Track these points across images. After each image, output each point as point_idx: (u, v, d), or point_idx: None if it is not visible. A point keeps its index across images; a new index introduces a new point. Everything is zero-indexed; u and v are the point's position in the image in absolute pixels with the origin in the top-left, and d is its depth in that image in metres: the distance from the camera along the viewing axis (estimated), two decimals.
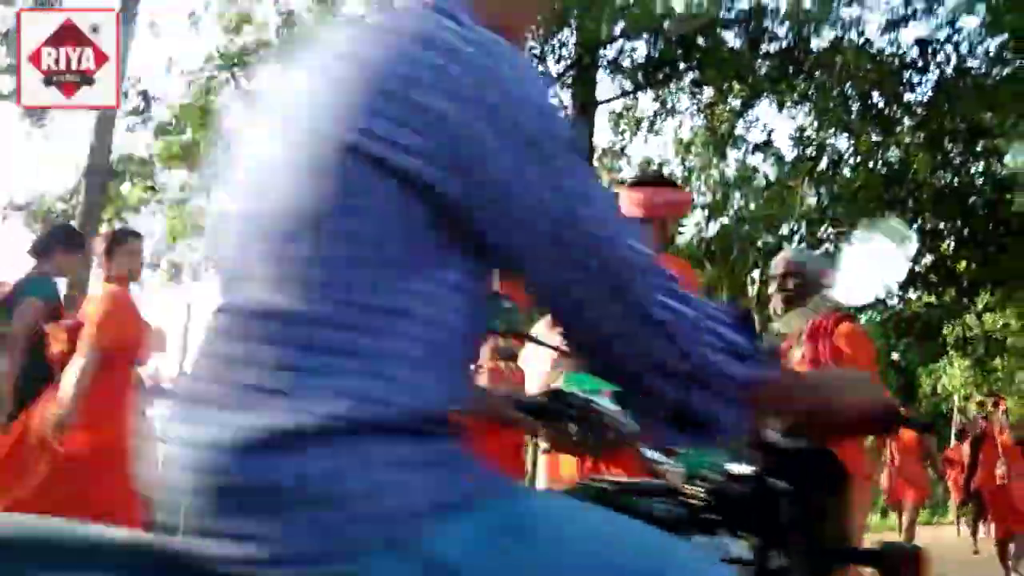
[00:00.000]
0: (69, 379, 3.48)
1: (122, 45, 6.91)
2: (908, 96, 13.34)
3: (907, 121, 13.34)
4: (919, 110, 13.12)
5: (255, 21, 13.17)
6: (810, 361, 3.01)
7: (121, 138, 13.24)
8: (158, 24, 12.95)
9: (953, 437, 15.75)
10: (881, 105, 13.26)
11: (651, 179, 3.24)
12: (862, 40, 12.84)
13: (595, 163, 14.30)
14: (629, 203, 2.66)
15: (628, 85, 14.24)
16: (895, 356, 18.98)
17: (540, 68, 13.68)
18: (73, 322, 3.65)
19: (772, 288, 3.32)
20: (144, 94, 11.10)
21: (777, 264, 3.33)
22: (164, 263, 13.19)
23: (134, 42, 7.13)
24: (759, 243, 14.84)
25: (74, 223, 8.20)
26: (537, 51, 13.76)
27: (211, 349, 0.88)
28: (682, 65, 13.30)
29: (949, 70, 12.98)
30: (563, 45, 13.85)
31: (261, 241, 0.85)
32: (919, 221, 13.32)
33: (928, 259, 14.51)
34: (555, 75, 13.98)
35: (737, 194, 15.33)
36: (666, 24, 11.68)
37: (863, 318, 17.66)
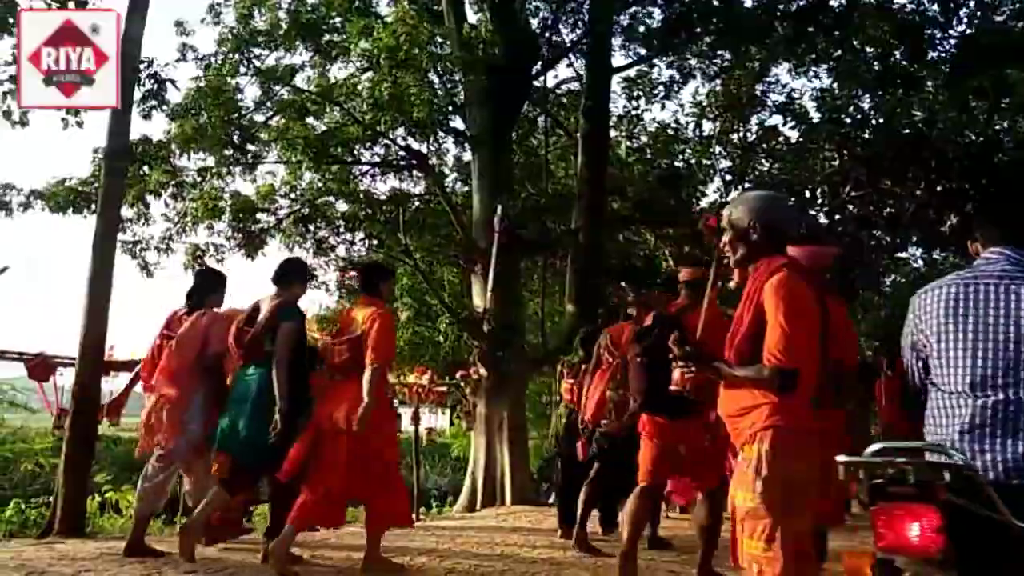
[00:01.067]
0: (366, 383, 4.28)
1: (136, 31, 6.94)
2: (931, 54, 13.06)
3: (930, 79, 13.06)
4: (943, 68, 12.84)
5: (268, 2, 13.15)
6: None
7: (138, 122, 13.40)
8: (175, 13, 13.05)
9: None
10: (904, 64, 12.98)
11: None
12: None
13: (611, 131, 14.19)
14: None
15: (643, 51, 14.07)
16: None
17: (554, 37, 13.58)
18: (350, 337, 4.48)
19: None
20: (157, 77, 11.12)
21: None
22: (186, 246, 13.30)
23: (148, 29, 7.12)
24: None
25: (95, 207, 8.29)
26: (550, 19, 13.64)
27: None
28: (698, 29, 13.09)
29: (972, 27, 12.70)
30: (577, 12, 13.70)
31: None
32: (944, 181, 13.09)
33: (953, 220, 14.28)
34: (569, 43, 13.86)
35: (759, 157, 15.16)
36: None
37: (887, 281, 17.50)
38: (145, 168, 12.14)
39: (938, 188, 13.60)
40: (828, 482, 2.60)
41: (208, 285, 5.24)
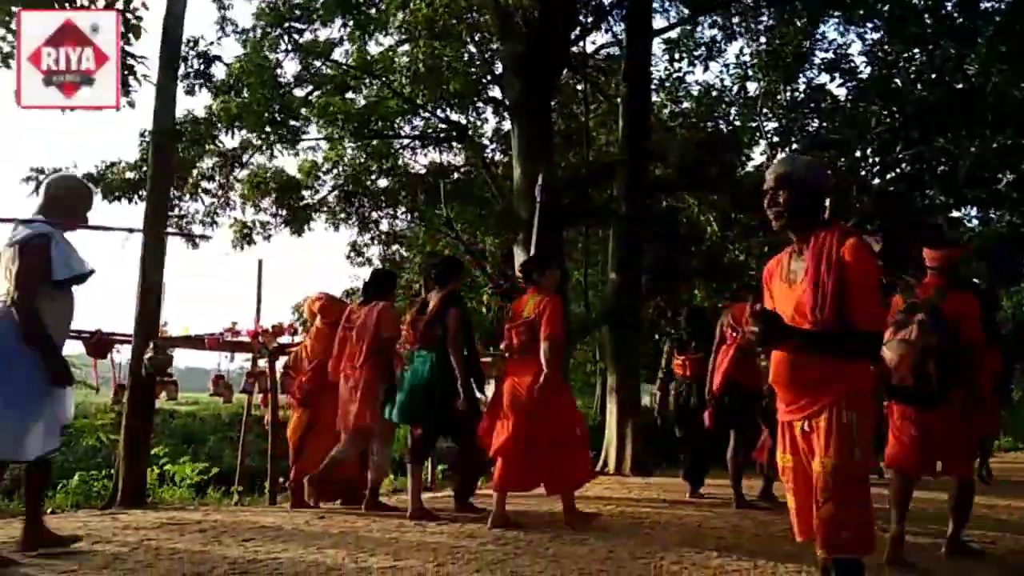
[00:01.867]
0: (544, 356, 4.95)
1: (178, 8, 7.00)
2: (985, 4, 12.55)
3: (984, 31, 12.55)
4: (998, 19, 12.33)
5: None
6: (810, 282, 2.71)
7: (182, 99, 13.55)
8: None
9: None
10: (956, 16, 12.48)
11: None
12: None
13: (653, 95, 13.95)
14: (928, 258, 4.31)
15: (685, 12, 13.75)
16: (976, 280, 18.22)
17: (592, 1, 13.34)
18: (525, 321, 5.14)
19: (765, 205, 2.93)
20: (206, 55, 11.23)
21: (767, 178, 2.96)
22: (232, 223, 13.52)
23: (190, 7, 7.18)
24: (830, 169, 14.36)
25: (144, 191, 8.45)
26: None
27: None
28: None
29: None
30: None
31: None
32: (1000, 138, 12.64)
33: (1009, 177, 13.81)
34: (608, 5, 13.61)
35: (806, 118, 14.78)
36: None
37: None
38: (191, 147, 12.32)
39: (994, 145, 13.15)
40: None
41: (380, 283, 6.04)
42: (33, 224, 3.77)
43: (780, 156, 14.85)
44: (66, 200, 3.91)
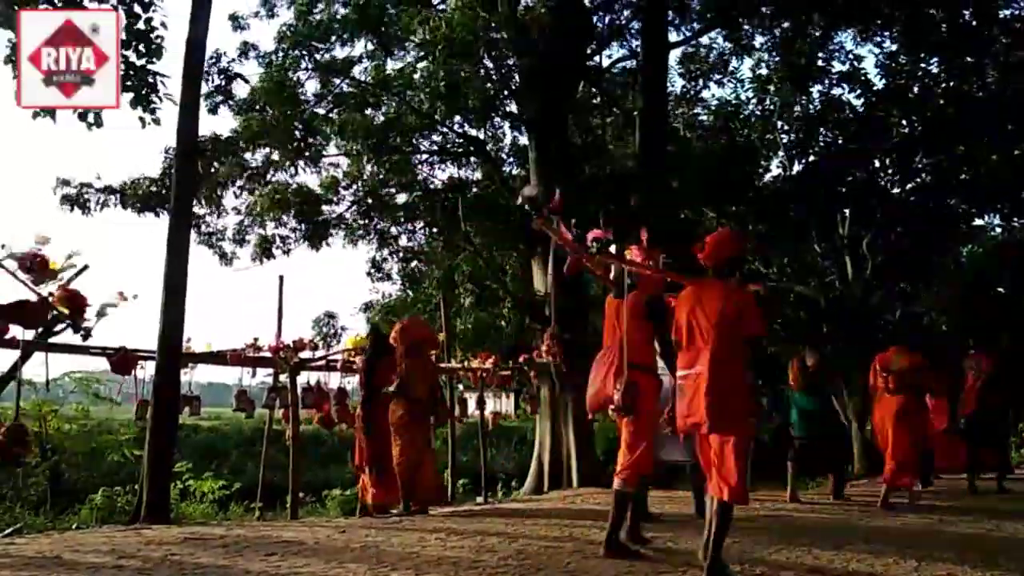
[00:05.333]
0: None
1: (200, 29, 7.12)
2: (1003, 12, 12.48)
3: (1003, 38, 12.47)
4: (1017, 25, 12.26)
5: None
6: None
7: (205, 118, 13.74)
8: (237, 13, 13.35)
9: None
10: (974, 24, 12.41)
11: None
12: None
13: (669, 108, 13.96)
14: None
15: (698, 26, 13.78)
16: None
17: (607, 16, 13.39)
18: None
19: None
20: (227, 72, 11.41)
21: None
22: (254, 238, 13.64)
23: (212, 28, 7.33)
24: (848, 179, 14.27)
25: (168, 206, 8.56)
26: None
27: None
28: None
29: None
30: None
31: None
32: (1022, 145, 12.54)
33: None
34: (623, 20, 13.66)
35: (823, 129, 14.72)
36: None
37: (964, 250, 16.85)
38: (215, 164, 12.48)
39: (1015, 151, 13.04)
40: None
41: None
42: None
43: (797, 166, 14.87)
44: None
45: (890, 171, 14.75)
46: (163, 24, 7.08)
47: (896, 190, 14.71)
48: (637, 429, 4.57)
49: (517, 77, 12.57)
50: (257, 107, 12.30)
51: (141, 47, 6.90)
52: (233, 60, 12.42)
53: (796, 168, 15.03)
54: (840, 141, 14.35)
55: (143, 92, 6.84)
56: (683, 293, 4.36)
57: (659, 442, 5.08)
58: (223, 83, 11.44)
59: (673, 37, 13.21)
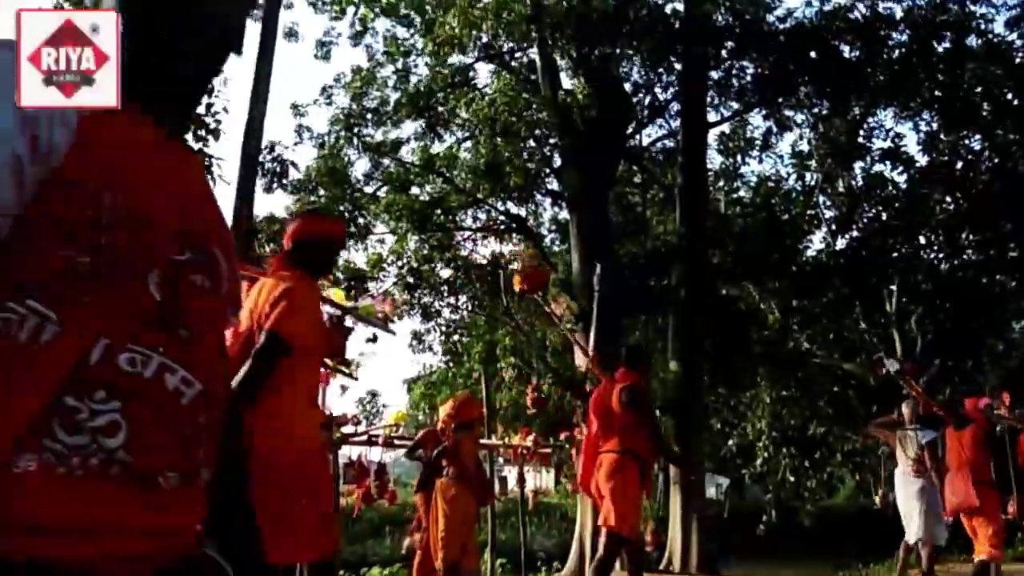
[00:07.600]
0: None
1: (259, 114, 7.52)
2: None
3: None
4: None
5: (377, 81, 13.90)
6: None
7: (260, 197, 14.27)
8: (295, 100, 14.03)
9: None
10: (1016, 103, 12.45)
11: None
12: (988, 37, 12.17)
13: (710, 187, 14.12)
14: None
15: (737, 105, 14.02)
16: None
17: (647, 97, 13.73)
18: None
19: None
20: (281, 160, 11.97)
21: None
22: None
23: (269, 114, 7.73)
24: (894, 255, 14.15)
25: None
26: (643, 79, 13.82)
27: None
28: (795, 81, 12.96)
29: None
30: (670, 71, 13.83)
31: None
32: None
33: None
34: (662, 101, 13.98)
35: (865, 204, 14.71)
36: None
37: (1016, 327, 16.40)
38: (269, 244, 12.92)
39: None
40: None
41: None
42: None
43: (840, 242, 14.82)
44: None
45: (935, 248, 14.61)
46: (225, 109, 7.49)
47: (944, 266, 14.53)
48: None
49: (558, 156, 12.88)
50: (310, 187, 12.78)
51: (200, 131, 7.28)
52: (287, 147, 12.99)
53: (840, 243, 14.98)
54: (884, 217, 14.29)
55: None
56: None
57: None
58: (277, 168, 11.97)
59: (712, 117, 13.47)
